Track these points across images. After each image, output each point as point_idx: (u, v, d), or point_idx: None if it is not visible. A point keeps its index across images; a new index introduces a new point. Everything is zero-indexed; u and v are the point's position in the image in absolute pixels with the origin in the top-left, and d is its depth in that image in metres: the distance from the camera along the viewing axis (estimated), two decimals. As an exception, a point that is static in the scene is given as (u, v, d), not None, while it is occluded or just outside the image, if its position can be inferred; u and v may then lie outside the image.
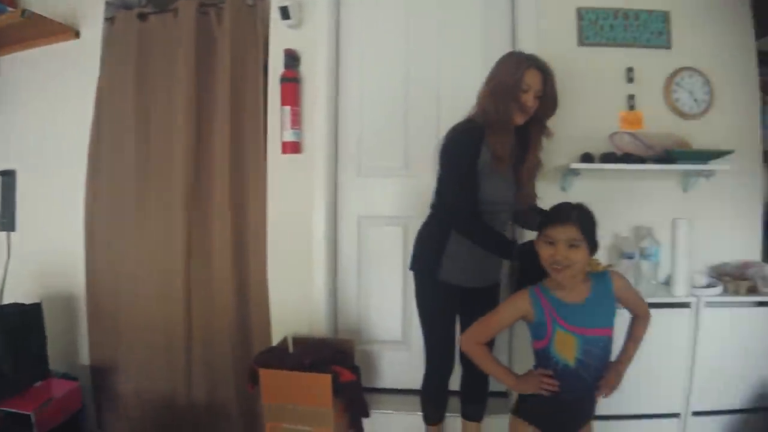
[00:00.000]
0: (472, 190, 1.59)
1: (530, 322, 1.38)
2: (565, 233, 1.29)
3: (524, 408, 1.45)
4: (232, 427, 2.22)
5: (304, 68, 2.14)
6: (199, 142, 2.21)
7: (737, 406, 1.96)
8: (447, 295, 1.70)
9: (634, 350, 1.47)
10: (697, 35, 2.15)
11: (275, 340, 2.14)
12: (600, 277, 1.40)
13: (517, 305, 1.39)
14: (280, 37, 2.15)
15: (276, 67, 2.14)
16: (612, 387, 1.42)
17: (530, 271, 1.44)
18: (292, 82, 2.09)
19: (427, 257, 1.70)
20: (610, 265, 2.00)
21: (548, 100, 1.62)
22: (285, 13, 2.07)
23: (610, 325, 1.36)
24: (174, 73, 2.22)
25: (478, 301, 1.69)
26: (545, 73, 1.60)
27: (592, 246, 1.34)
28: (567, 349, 1.33)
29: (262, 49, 2.17)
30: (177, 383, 2.24)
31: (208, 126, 2.21)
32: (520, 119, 1.61)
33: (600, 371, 1.37)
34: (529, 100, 1.58)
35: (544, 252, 1.32)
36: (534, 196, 1.74)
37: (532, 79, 1.57)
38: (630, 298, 1.44)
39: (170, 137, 2.21)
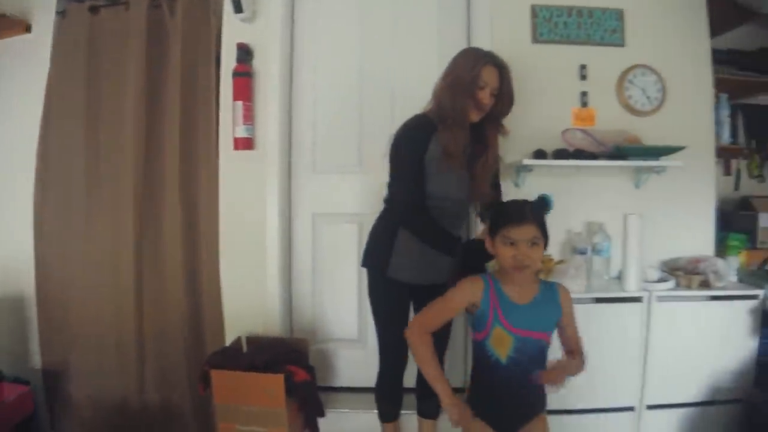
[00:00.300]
0: (420, 186, 1.58)
1: (473, 312, 1.37)
2: (526, 233, 1.29)
3: (469, 404, 1.43)
4: (185, 427, 2.18)
5: (258, 63, 2.10)
6: (150, 138, 2.15)
7: (691, 400, 1.98)
8: (398, 292, 1.69)
9: (570, 365, 1.38)
10: (650, 33, 2.18)
11: (228, 340, 2.10)
12: (549, 285, 1.41)
13: (471, 289, 1.37)
14: (233, 31, 2.11)
15: (228, 61, 2.10)
16: (554, 375, 1.34)
17: (475, 269, 1.44)
18: (244, 76, 2.06)
19: (378, 253, 1.69)
20: (561, 261, 2.01)
21: (504, 98, 1.61)
22: (238, 6, 2.03)
23: (548, 330, 1.37)
24: (125, 68, 2.16)
25: (434, 299, 1.67)
26: (502, 70, 1.59)
27: (546, 241, 1.35)
28: (501, 345, 1.34)
29: (214, 43, 2.12)
30: (130, 384, 2.20)
31: (159, 121, 2.15)
32: (475, 116, 1.60)
33: (532, 371, 1.35)
34: (486, 97, 1.57)
35: (505, 252, 1.30)
36: (497, 190, 1.73)
37: (489, 75, 1.56)
38: (569, 322, 1.41)
39: (120, 133, 2.16)
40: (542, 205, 1.47)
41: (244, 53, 2.07)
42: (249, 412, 1.82)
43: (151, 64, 2.15)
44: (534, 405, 1.42)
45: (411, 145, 1.58)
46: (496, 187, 1.75)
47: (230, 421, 1.84)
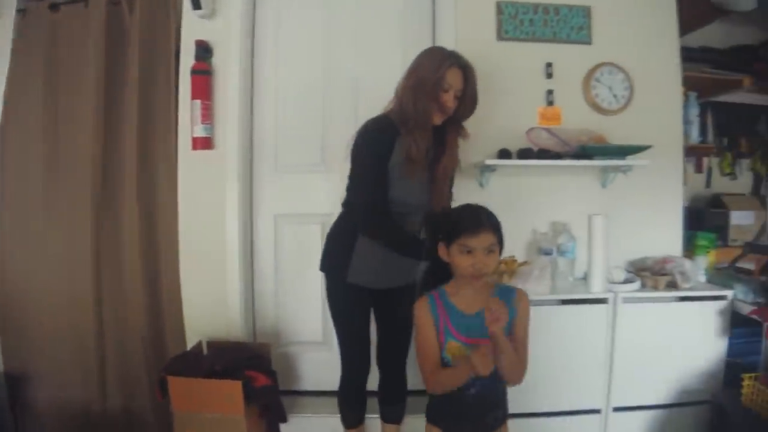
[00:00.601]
0: (383, 190, 1.53)
1: None
2: (484, 241, 1.26)
3: (432, 412, 1.43)
4: (148, 432, 2.15)
5: (217, 60, 2.06)
6: (109, 138, 2.11)
7: (659, 402, 1.97)
8: (357, 296, 1.64)
9: (509, 352, 1.28)
10: (618, 30, 2.15)
11: (190, 344, 2.06)
12: (507, 291, 1.37)
13: (423, 310, 1.34)
14: (192, 28, 2.06)
15: (187, 59, 2.05)
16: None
17: (440, 270, 1.39)
18: (203, 74, 2.01)
19: (336, 257, 1.64)
20: (525, 262, 1.99)
21: (468, 100, 1.57)
22: (196, 2, 1.98)
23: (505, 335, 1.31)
24: (85, 65, 2.12)
25: (394, 302, 1.64)
26: (467, 71, 1.55)
27: (502, 247, 1.32)
28: (458, 357, 1.30)
29: (174, 40, 2.08)
30: (92, 389, 2.16)
31: (118, 120, 2.11)
32: (438, 119, 1.56)
33: (494, 379, 1.31)
34: (449, 99, 1.53)
35: (463, 261, 1.27)
36: (448, 196, 1.69)
37: (453, 78, 1.52)
38: (520, 331, 1.34)
39: (79, 132, 2.11)
40: None
41: (203, 50, 2.03)
42: (208, 419, 1.78)
43: (111, 62, 2.11)
44: (496, 416, 1.39)
45: (375, 148, 1.53)
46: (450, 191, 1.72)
47: (190, 429, 1.81)
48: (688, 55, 2.58)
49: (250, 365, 1.87)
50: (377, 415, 1.86)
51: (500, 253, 1.31)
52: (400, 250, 1.55)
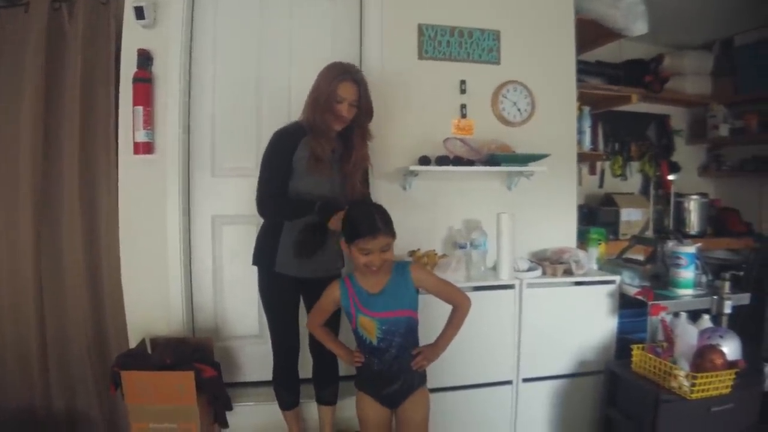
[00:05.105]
0: (277, 180, 1.78)
1: (341, 308, 1.63)
2: (379, 244, 1.50)
3: (358, 381, 1.68)
4: (93, 432, 2.19)
5: (157, 68, 2.14)
6: (48, 143, 2.14)
7: (561, 372, 2.26)
8: (285, 286, 1.85)
9: (450, 335, 1.66)
10: (523, 52, 2.46)
11: (133, 343, 2.13)
12: (402, 268, 1.62)
13: (332, 294, 1.63)
14: (134, 36, 2.13)
15: (128, 66, 2.12)
16: (424, 359, 1.62)
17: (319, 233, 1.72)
18: (144, 82, 2.09)
19: (264, 251, 1.85)
20: (444, 255, 2.23)
21: (363, 108, 1.84)
22: (140, 13, 2.07)
23: (408, 307, 1.59)
24: (23, 70, 2.14)
25: (321, 292, 1.81)
26: (359, 84, 1.80)
27: (394, 238, 1.56)
28: (369, 330, 1.57)
29: (114, 48, 2.14)
30: (34, 393, 2.17)
31: (58, 125, 2.15)
32: (337, 126, 1.82)
33: (406, 345, 1.59)
34: (344, 109, 1.79)
35: (362, 259, 1.51)
36: (361, 189, 1.91)
37: (345, 91, 1.77)
38: (434, 288, 1.65)
39: (17, 137, 2.13)
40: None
41: (145, 59, 2.11)
42: (161, 410, 1.86)
43: (50, 67, 2.14)
44: (413, 379, 1.64)
45: (279, 147, 1.80)
46: (365, 183, 1.97)
47: (143, 421, 1.87)
48: (584, 69, 2.95)
49: (196, 358, 1.97)
50: (312, 400, 2.04)
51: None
52: (296, 215, 1.79)
